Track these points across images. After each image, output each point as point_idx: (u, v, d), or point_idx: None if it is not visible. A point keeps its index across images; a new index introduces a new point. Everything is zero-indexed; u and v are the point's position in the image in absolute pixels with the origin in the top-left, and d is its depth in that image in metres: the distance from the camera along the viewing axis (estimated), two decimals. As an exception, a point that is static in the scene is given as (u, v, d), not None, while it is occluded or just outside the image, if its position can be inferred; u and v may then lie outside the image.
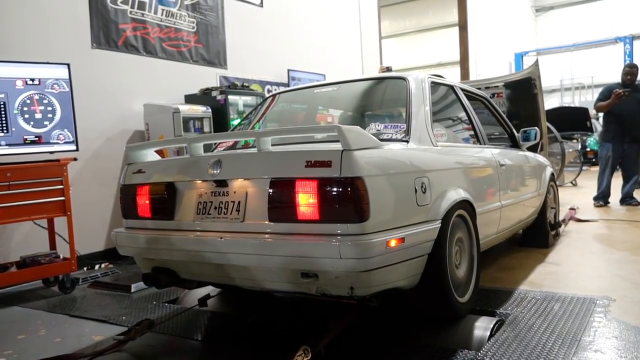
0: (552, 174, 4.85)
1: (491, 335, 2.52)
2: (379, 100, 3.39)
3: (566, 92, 16.07)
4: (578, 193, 8.60)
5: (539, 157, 4.72)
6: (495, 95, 5.33)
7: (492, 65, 13.47)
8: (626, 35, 14.32)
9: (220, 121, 5.20)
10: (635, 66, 6.68)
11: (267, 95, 6.21)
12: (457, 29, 12.44)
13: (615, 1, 15.68)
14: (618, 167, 6.85)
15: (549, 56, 15.84)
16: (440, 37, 15.69)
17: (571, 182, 9.68)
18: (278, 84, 6.76)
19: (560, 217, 5.45)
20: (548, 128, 9.15)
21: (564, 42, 15.65)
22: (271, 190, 2.23)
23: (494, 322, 2.64)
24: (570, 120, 10.68)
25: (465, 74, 12.33)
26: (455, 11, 12.35)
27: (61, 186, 3.75)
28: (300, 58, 7.19)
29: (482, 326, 2.61)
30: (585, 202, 7.14)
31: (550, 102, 14.09)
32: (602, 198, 6.79)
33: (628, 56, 14.17)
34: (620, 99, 6.40)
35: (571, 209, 6.26)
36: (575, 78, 15.88)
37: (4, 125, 3.54)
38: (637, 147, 6.62)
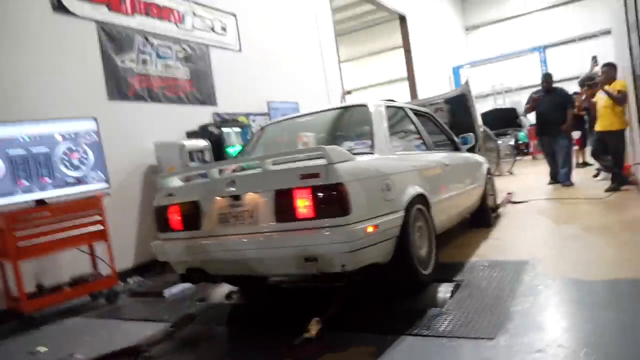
0: (488, 168, 5.31)
1: (451, 296, 2.93)
2: (348, 124, 3.71)
3: (498, 95, 16.75)
4: (514, 180, 9.09)
5: (477, 156, 5.14)
6: (439, 110, 5.76)
7: (434, 79, 14.00)
8: (539, 45, 15.16)
9: (218, 150, 5.50)
10: (549, 75, 7.43)
11: (252, 125, 6.58)
12: (402, 50, 13.04)
13: (530, 17, 16.59)
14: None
15: (480, 67, 16.54)
16: (389, 58, 16.18)
17: (508, 172, 10.21)
18: (260, 114, 7.06)
19: (499, 201, 5.95)
20: (484, 130, 9.79)
21: (492, 54, 16.36)
22: (276, 199, 2.64)
23: (452, 286, 3.07)
24: (503, 119, 11.27)
25: (412, 88, 12.85)
26: (399, 35, 12.92)
27: (99, 217, 4.06)
28: (276, 90, 7.47)
29: (443, 290, 3.04)
30: (519, 186, 7.63)
31: (485, 105, 14.74)
32: (552, 178, 7.37)
33: (543, 62, 15.00)
34: (535, 102, 7.30)
35: (508, 193, 6.71)
36: (504, 83, 16.60)
37: (50, 172, 3.85)
38: (558, 137, 7.09)
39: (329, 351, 2.39)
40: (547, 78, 7.38)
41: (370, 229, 2.56)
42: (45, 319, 3.80)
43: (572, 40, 15.06)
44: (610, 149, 6.15)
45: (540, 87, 7.56)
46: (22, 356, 3.07)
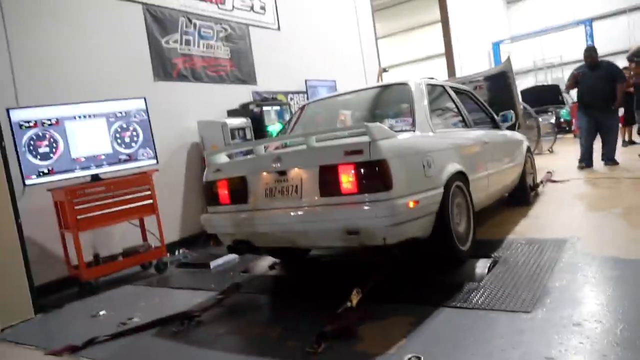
0: (528, 147, 5.25)
1: (489, 271, 2.99)
2: (389, 102, 3.81)
3: (539, 71, 16.22)
4: (555, 158, 8.90)
5: (516, 134, 5.10)
6: (478, 87, 5.71)
7: (472, 55, 13.71)
8: (586, 18, 14.52)
9: (258, 128, 5.66)
10: (591, 48, 6.85)
11: (290, 103, 6.70)
12: (440, 25, 12.79)
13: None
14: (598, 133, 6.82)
15: (521, 42, 16.04)
16: (427, 33, 15.87)
17: (548, 150, 10.00)
18: (299, 92, 7.18)
19: (539, 180, 5.89)
20: (524, 107, 9.58)
21: (533, 28, 15.80)
22: (321, 174, 2.75)
23: (490, 262, 3.12)
24: (545, 96, 10.98)
25: (450, 65, 12.61)
26: (437, 10, 12.65)
27: (149, 192, 4.28)
28: (314, 68, 7.55)
29: (481, 265, 3.09)
30: (560, 165, 7.44)
31: (526, 82, 14.33)
32: (582, 161, 6.86)
33: (589, 36, 14.37)
34: (576, 79, 6.75)
35: (548, 172, 6.62)
36: (546, 59, 16.05)
37: (105, 149, 4.09)
38: (607, 115, 6.60)
39: (370, 320, 2.51)
40: (590, 52, 6.80)
41: (411, 204, 2.64)
42: (102, 286, 4.08)
43: (622, 12, 14.34)
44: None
45: (582, 63, 7.00)
46: (86, 319, 3.34)
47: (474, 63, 12.70)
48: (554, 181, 6.15)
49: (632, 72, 7.20)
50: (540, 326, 2.19)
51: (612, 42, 13.39)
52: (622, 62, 8.79)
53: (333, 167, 2.67)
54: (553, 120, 11.62)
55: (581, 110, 6.95)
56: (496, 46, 15.45)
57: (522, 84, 14.01)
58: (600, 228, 3.79)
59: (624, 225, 3.75)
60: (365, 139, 2.60)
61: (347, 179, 2.63)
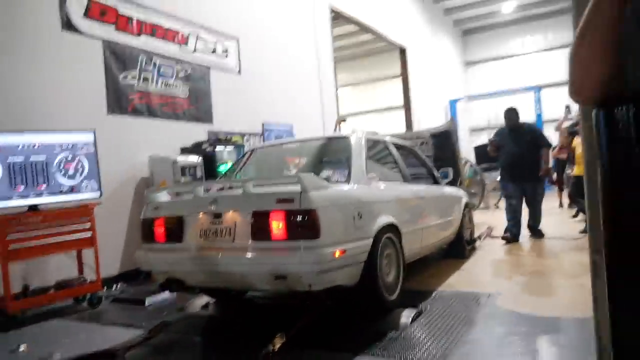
0: (467, 203, 5.53)
1: (412, 321, 3.11)
2: (329, 153, 3.98)
3: (492, 130, 17.02)
4: (500, 214, 9.29)
5: (456, 190, 5.36)
6: (424, 143, 6.02)
7: (430, 109, 14.33)
8: (535, 85, 15.61)
9: (210, 167, 5.68)
10: (512, 110, 6.14)
11: (245, 144, 6.82)
12: (401, 79, 13.47)
13: (527, 58, 17.07)
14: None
15: (477, 101, 16.93)
16: (389, 86, 16.45)
17: (495, 205, 10.45)
18: (255, 134, 7.32)
19: (477, 234, 6.16)
20: (471, 165, 10.05)
21: (489, 89, 16.74)
22: (253, 219, 2.86)
23: (414, 312, 3.24)
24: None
25: (408, 118, 13.23)
26: (399, 65, 13.34)
27: (89, 224, 4.24)
28: (273, 111, 7.72)
29: (406, 315, 3.21)
30: (503, 220, 7.81)
31: (480, 139, 14.99)
32: (507, 231, 6.08)
33: (537, 101, 15.42)
34: (496, 144, 6.14)
35: (488, 227, 6.94)
36: (500, 118, 16.89)
37: (46, 179, 4.06)
38: (532, 183, 5.98)
39: (289, 365, 2.57)
40: (510, 114, 6.07)
41: (337, 253, 2.76)
42: (28, 319, 3.95)
43: (565, 83, 15.46)
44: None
45: (500, 128, 6.38)
46: (3, 354, 3.22)
47: (431, 117, 13.28)
48: (493, 237, 6.43)
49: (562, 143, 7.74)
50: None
51: (558, 110, 14.35)
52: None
53: (265, 213, 2.79)
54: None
55: (504, 178, 6.23)
56: (453, 103, 16.24)
57: (476, 140, 14.69)
58: (523, 285, 4.02)
59: (545, 284, 3.98)
60: (297, 188, 2.74)
61: (277, 226, 2.75)
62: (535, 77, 16.09)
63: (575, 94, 1.03)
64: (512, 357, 2.52)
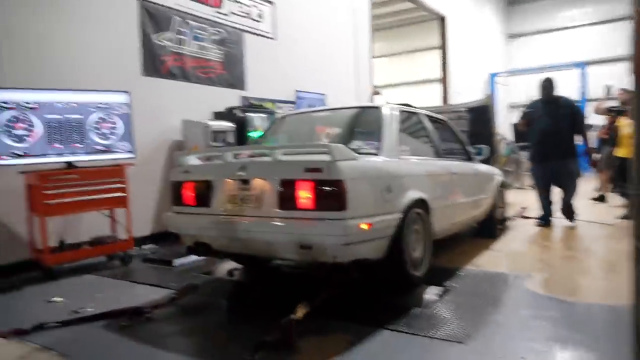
0: (501, 182, 5.38)
1: (438, 299, 3.08)
2: (361, 123, 3.86)
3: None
4: (532, 194, 9.03)
5: (489, 168, 5.19)
6: (461, 117, 5.82)
7: (469, 83, 13.90)
8: (581, 61, 14.86)
9: (241, 133, 5.71)
10: (549, 80, 5.62)
11: (278, 111, 6.77)
12: (439, 51, 13.06)
13: (573, 32, 16.21)
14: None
15: (518, 77, 16.29)
16: (426, 57, 15.94)
17: (530, 186, 10.12)
18: (287, 102, 7.26)
19: (510, 214, 6.01)
20: (508, 142, 9.74)
21: (532, 64, 16.04)
22: (280, 187, 2.84)
23: (440, 290, 3.23)
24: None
25: (445, 91, 12.87)
26: (438, 36, 12.92)
27: (122, 185, 4.34)
28: (306, 80, 7.64)
29: (431, 292, 3.21)
30: (536, 201, 7.60)
31: (519, 116, 14.51)
32: (543, 219, 5.72)
33: (583, 78, 14.71)
34: (527, 118, 5.63)
35: (522, 207, 6.77)
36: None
37: (82, 138, 4.15)
38: (571, 163, 5.44)
39: (312, 334, 2.58)
40: (545, 84, 5.54)
41: (364, 226, 2.73)
42: (63, 273, 4.12)
43: (615, 60, 14.65)
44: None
45: (533, 100, 5.76)
46: (40, 303, 3.38)
47: (469, 91, 12.90)
48: (526, 217, 6.27)
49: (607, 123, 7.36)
50: (467, 358, 2.28)
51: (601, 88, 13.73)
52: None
53: (292, 181, 2.76)
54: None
55: (535, 159, 5.70)
56: (493, 77, 15.69)
57: (515, 117, 14.20)
58: (555, 268, 3.90)
59: (577, 269, 3.86)
60: (326, 158, 2.70)
61: (304, 195, 2.72)
62: (580, 52, 15.32)
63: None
64: (538, 342, 2.46)
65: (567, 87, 14.76)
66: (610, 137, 7.29)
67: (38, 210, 3.95)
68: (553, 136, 5.35)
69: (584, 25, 16.12)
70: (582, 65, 14.73)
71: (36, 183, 3.89)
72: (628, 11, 0.92)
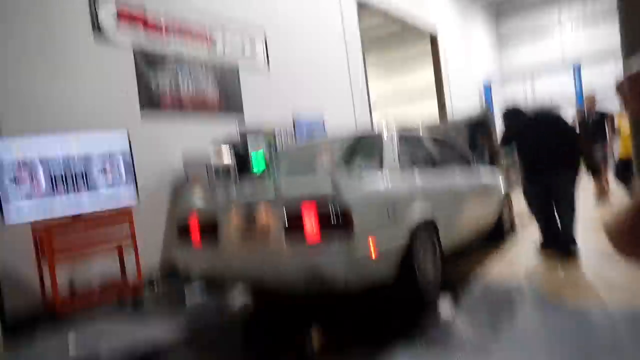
0: (507, 194, 5.40)
1: (452, 315, 3.11)
2: (361, 150, 3.83)
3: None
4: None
5: (494, 180, 5.20)
6: (460, 132, 5.89)
7: (464, 94, 14.00)
8: (575, 62, 15.06)
9: (242, 166, 5.77)
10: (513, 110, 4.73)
11: (277, 140, 6.79)
12: (432, 66, 13.28)
13: (564, 33, 16.40)
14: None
15: (513, 82, 16.45)
16: (421, 73, 16.07)
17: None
18: (286, 129, 7.28)
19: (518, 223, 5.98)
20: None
21: (525, 71, 16.23)
22: (287, 220, 2.86)
23: (454, 305, 3.26)
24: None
25: (441, 104, 13.00)
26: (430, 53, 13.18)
27: (129, 230, 4.35)
28: (303, 104, 7.73)
29: (446, 308, 3.24)
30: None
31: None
32: (547, 242, 4.63)
33: (575, 78, 14.90)
34: (511, 132, 4.54)
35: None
36: (534, 100, 16.41)
37: (86, 187, 4.19)
38: (565, 177, 4.30)
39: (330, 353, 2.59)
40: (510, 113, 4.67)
41: (373, 253, 2.74)
42: (75, 320, 4.10)
43: (607, 60, 14.79)
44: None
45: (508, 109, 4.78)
46: (52, 353, 3.36)
47: (465, 102, 13.06)
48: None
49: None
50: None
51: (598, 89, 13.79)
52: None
53: (298, 214, 2.78)
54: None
55: (527, 174, 4.54)
56: (488, 90, 15.80)
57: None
58: (566, 277, 3.87)
59: (587, 278, 3.84)
60: (331, 189, 2.72)
61: (310, 226, 2.74)
62: (573, 54, 15.52)
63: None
64: (560, 353, 2.44)
65: (561, 91, 15.03)
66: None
67: (47, 261, 3.97)
68: (545, 153, 4.31)
69: (573, 25, 16.40)
70: (576, 66, 14.92)
71: (43, 235, 3.92)
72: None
